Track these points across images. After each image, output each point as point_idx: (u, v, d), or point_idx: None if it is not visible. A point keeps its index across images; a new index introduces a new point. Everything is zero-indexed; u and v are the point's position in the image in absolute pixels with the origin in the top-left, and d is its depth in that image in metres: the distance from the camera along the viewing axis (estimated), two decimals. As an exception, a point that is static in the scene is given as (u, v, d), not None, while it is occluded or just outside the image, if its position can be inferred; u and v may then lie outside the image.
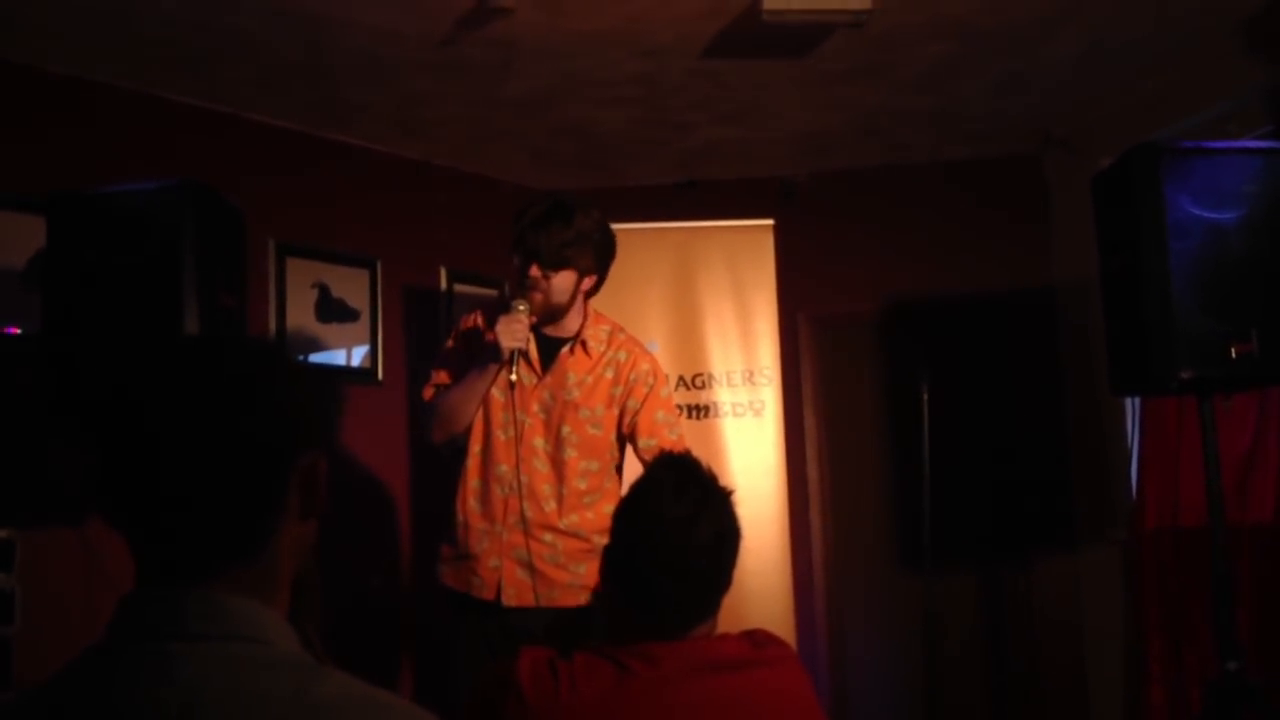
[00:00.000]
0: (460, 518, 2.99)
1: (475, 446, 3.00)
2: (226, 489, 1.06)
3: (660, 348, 4.14)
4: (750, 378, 4.14)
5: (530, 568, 2.91)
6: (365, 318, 4.74)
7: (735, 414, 4.12)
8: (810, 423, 5.25)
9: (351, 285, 4.70)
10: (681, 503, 1.73)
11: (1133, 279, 2.95)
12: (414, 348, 4.92)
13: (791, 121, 4.71)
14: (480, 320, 3.09)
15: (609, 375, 3.02)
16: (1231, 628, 2.94)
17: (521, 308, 2.88)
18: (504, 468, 2.95)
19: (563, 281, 2.94)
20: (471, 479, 3.00)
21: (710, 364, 4.15)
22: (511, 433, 2.95)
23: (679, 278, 4.20)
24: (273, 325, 4.43)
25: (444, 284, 5.03)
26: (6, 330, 3.76)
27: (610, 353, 3.05)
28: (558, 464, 2.97)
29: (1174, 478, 4.12)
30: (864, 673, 5.22)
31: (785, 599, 4.02)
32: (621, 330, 3.13)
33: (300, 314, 4.52)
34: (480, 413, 2.99)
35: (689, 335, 4.16)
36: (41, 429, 2.89)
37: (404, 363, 4.84)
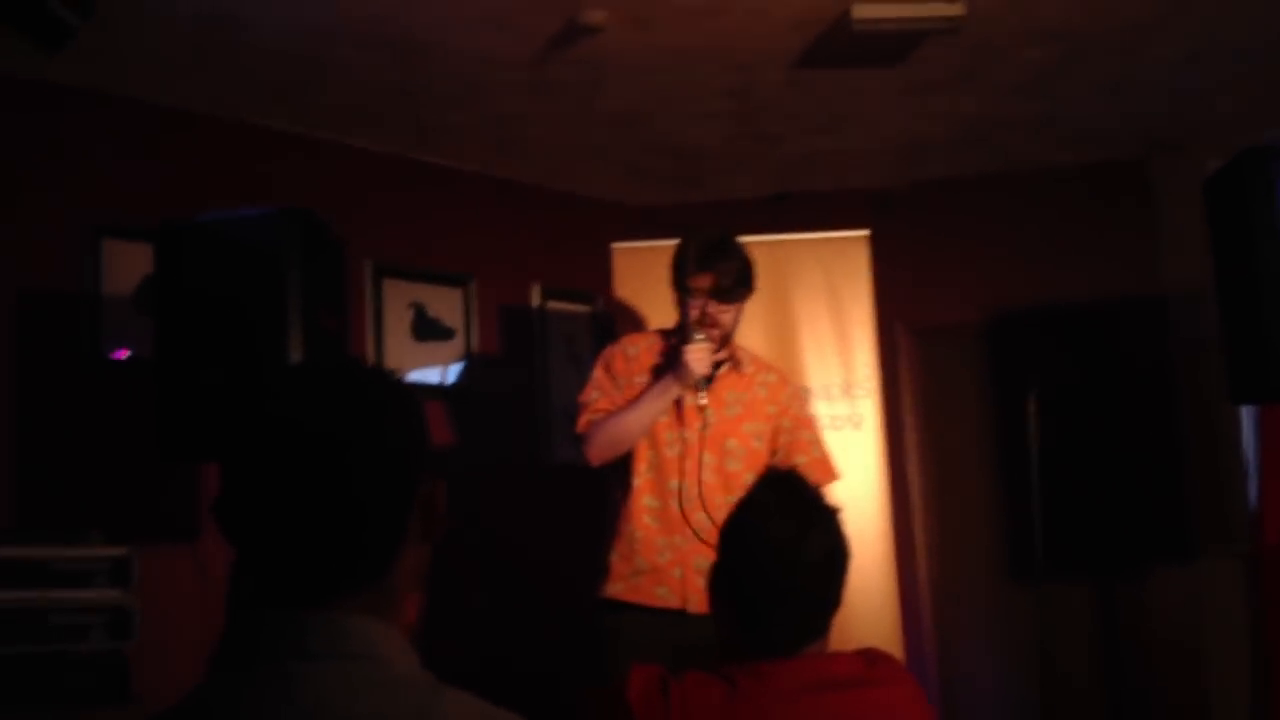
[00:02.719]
0: (638, 534, 3.14)
1: (641, 466, 3.17)
2: (357, 517, 1.06)
3: (756, 362, 4.11)
4: (849, 390, 4.08)
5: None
6: (460, 336, 4.80)
7: (834, 427, 4.05)
8: (911, 435, 5.15)
9: (446, 304, 4.77)
10: (787, 521, 1.71)
11: (1249, 284, 2.86)
12: (508, 365, 4.96)
13: (887, 130, 4.66)
14: (651, 349, 3.25)
15: (762, 394, 3.23)
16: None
17: (700, 336, 3.05)
18: (675, 481, 3.11)
19: (735, 314, 3.13)
20: (643, 496, 3.16)
21: (807, 377, 4.10)
22: (678, 449, 3.13)
23: (774, 291, 4.15)
24: (370, 345, 4.50)
25: (537, 301, 5.07)
26: (117, 354, 3.88)
27: (760, 375, 3.26)
28: (724, 476, 3.13)
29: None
30: (974, 690, 5.10)
31: (891, 615, 3.95)
32: (759, 357, 3.37)
33: (397, 333, 4.60)
34: (646, 435, 3.17)
35: (785, 349, 4.12)
36: (157, 448, 2.96)
37: (498, 380, 4.89)
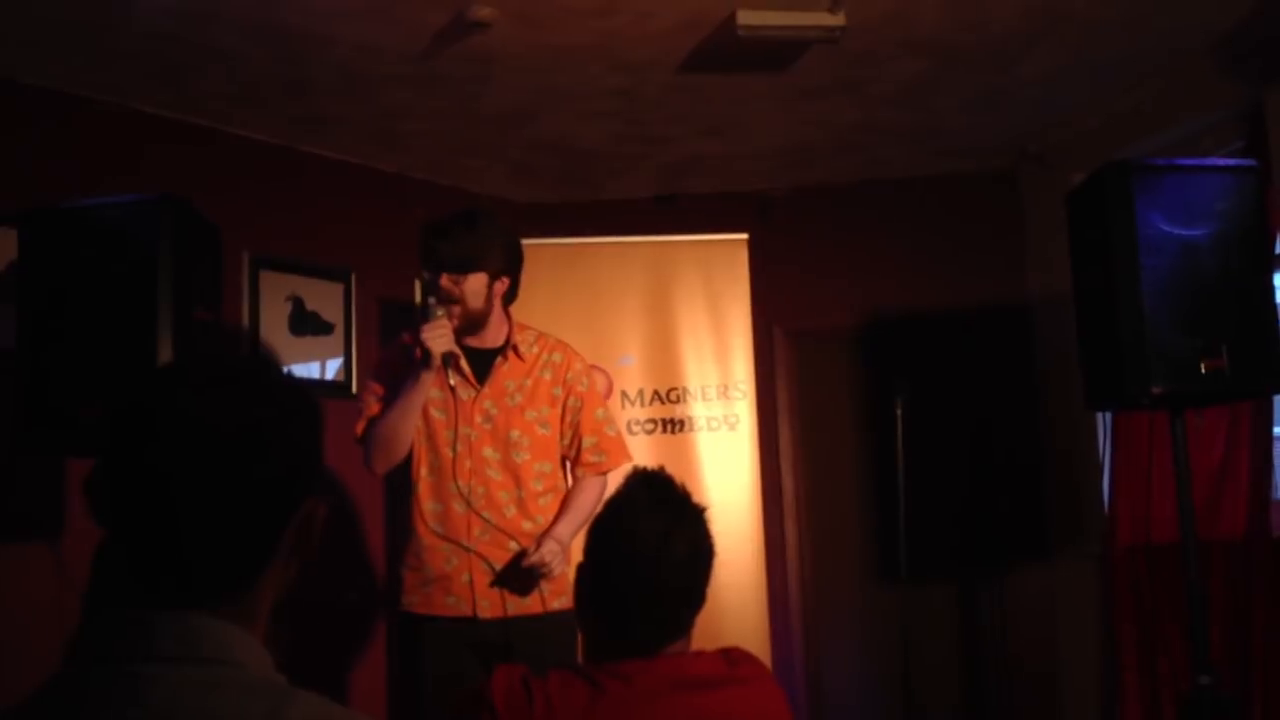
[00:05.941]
0: (424, 541, 2.97)
1: (422, 470, 2.99)
2: (224, 530, 1.05)
3: (635, 361, 4.14)
4: (725, 392, 4.14)
5: (499, 577, 2.94)
6: (339, 331, 4.73)
7: (710, 428, 4.11)
8: (785, 437, 5.26)
9: (326, 298, 4.69)
10: (655, 519, 1.72)
11: (1106, 295, 2.97)
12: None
13: (769, 136, 4.73)
14: (406, 340, 3.07)
15: (546, 376, 3.06)
16: (1204, 642, 2.96)
17: (440, 312, 2.90)
18: (459, 483, 2.94)
19: (475, 285, 2.95)
20: (425, 502, 2.98)
21: (685, 378, 4.15)
22: (460, 449, 2.94)
23: (654, 292, 4.20)
24: (246, 338, 4.41)
25: (419, 297, 5.02)
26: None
27: (544, 355, 3.09)
28: (511, 469, 2.98)
29: (1146, 493, 4.15)
30: (840, 686, 5.23)
31: (760, 613, 4.02)
32: (547, 335, 3.15)
33: (274, 327, 4.51)
34: (422, 436, 2.98)
35: (664, 349, 4.16)
36: (13, 443, 2.85)
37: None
